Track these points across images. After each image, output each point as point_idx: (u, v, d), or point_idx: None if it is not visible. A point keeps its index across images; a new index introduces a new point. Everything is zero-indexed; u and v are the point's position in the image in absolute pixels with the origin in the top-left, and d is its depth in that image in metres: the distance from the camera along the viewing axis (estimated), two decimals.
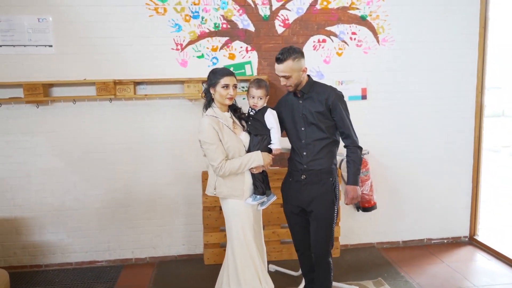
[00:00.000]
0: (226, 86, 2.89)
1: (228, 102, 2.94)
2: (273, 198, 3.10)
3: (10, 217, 4.10)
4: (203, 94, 3.02)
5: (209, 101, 2.98)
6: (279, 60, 2.83)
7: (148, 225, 4.28)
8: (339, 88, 4.20)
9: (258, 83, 2.94)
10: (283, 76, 2.87)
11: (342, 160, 4.29)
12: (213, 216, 4.11)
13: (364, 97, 4.37)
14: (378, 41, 4.32)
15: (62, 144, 4.07)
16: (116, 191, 4.20)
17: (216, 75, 2.92)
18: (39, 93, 3.79)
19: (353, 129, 2.98)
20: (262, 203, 3.05)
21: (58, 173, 4.10)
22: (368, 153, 4.32)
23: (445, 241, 4.67)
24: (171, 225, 4.31)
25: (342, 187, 4.26)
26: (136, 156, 4.17)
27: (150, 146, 4.17)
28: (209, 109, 2.97)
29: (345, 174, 4.35)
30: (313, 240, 3.08)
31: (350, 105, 4.23)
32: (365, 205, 4.32)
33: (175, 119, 4.14)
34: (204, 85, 3.02)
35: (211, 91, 2.94)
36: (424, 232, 4.65)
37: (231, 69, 4.05)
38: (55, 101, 3.99)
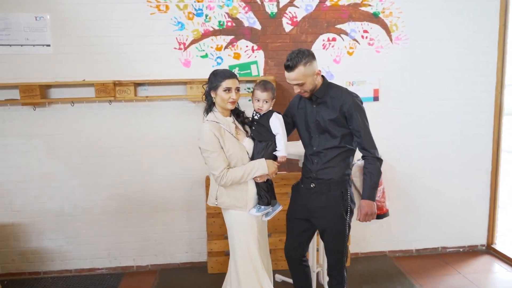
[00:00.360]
0: (228, 90, 2.70)
1: (230, 107, 2.75)
2: (279, 208, 2.92)
3: (8, 222, 3.98)
4: (204, 97, 2.84)
5: (210, 105, 2.80)
6: (289, 67, 2.60)
7: (150, 232, 4.13)
8: (349, 89, 4.03)
9: (264, 85, 2.75)
10: (296, 84, 2.65)
11: (353, 165, 4.09)
12: (217, 223, 3.94)
13: (376, 98, 4.16)
14: (391, 40, 4.11)
15: (60, 147, 3.93)
16: (117, 197, 4.05)
17: (217, 77, 2.73)
18: (36, 94, 3.64)
19: (371, 138, 2.74)
20: (267, 214, 2.87)
21: (57, 178, 3.96)
22: None
23: (461, 250, 4.46)
24: (174, 231, 4.15)
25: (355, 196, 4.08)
26: (137, 160, 4.01)
27: (151, 150, 4.01)
28: (210, 114, 2.79)
29: (355, 179, 4.18)
30: (327, 253, 2.93)
31: None
32: (377, 212, 4.10)
33: (178, 121, 3.97)
34: (205, 87, 2.82)
35: (212, 94, 2.76)
36: (439, 240, 4.44)
37: (236, 69, 3.91)
38: (53, 103, 3.85)
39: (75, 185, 3.99)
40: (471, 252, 4.42)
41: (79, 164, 3.96)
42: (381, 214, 4.08)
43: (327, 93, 2.74)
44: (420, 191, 4.34)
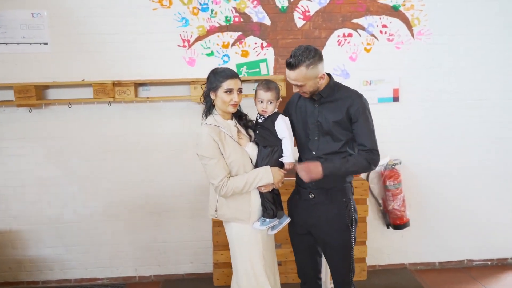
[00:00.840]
0: (230, 91, 2.46)
1: (232, 110, 2.50)
2: (286, 221, 2.66)
3: (5, 229, 3.80)
4: (202, 99, 2.59)
5: (209, 107, 2.56)
6: (290, 65, 2.35)
7: (153, 241, 3.92)
8: (367, 89, 3.77)
9: (266, 84, 2.51)
10: (296, 85, 2.42)
11: (369, 173, 3.81)
12: (224, 232, 3.61)
13: (396, 98, 3.86)
14: (412, 35, 3.81)
15: (58, 151, 3.74)
16: (118, 203, 3.84)
17: (217, 77, 2.49)
18: (31, 96, 3.45)
19: (375, 144, 2.47)
20: (273, 227, 2.61)
21: (55, 183, 3.77)
22: (400, 163, 3.82)
23: (489, 263, 4.13)
24: (178, 241, 3.92)
25: (369, 202, 3.80)
26: (139, 165, 3.80)
27: (153, 154, 3.80)
28: (209, 117, 2.55)
29: (373, 186, 3.91)
30: (331, 270, 2.68)
31: (380, 108, 3.83)
32: (396, 222, 3.83)
33: (181, 124, 3.75)
34: (203, 87, 2.59)
35: (212, 95, 2.52)
36: (464, 253, 4.12)
37: (244, 68, 3.69)
38: (49, 105, 3.67)
39: (74, 190, 3.80)
40: (500, 266, 4.10)
41: (77, 168, 3.77)
42: (401, 224, 3.85)
43: (333, 93, 2.49)
44: (444, 199, 4.02)
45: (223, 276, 3.76)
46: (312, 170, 2.40)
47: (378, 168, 3.82)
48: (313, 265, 2.76)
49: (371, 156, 2.43)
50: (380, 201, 3.93)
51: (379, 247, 4.01)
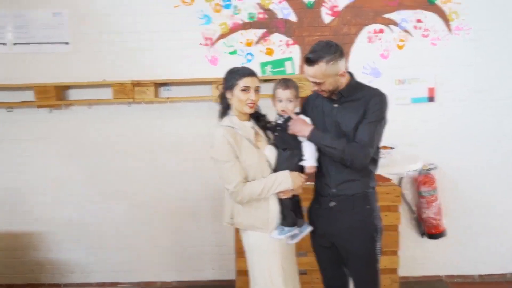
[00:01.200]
0: (246, 89, 2.31)
1: (248, 110, 2.35)
2: (308, 230, 2.48)
3: (27, 231, 3.79)
4: (218, 99, 2.46)
5: (225, 108, 2.42)
6: (309, 61, 2.19)
7: (175, 245, 3.81)
8: (399, 88, 3.55)
9: (285, 83, 2.36)
10: (314, 82, 2.25)
11: (401, 178, 3.57)
12: None
13: (431, 98, 3.61)
14: (450, 30, 3.56)
15: (78, 152, 3.70)
16: (139, 206, 3.77)
17: (233, 75, 2.36)
18: (51, 96, 3.43)
19: (370, 145, 2.24)
20: (292, 236, 2.42)
21: (76, 185, 3.74)
22: (435, 167, 3.56)
23: None
24: (200, 246, 3.81)
25: (402, 209, 3.55)
26: (160, 168, 3.71)
27: (174, 156, 3.70)
28: (225, 118, 2.41)
29: (406, 192, 3.66)
30: (354, 282, 2.51)
31: (414, 108, 3.59)
32: (431, 231, 3.58)
33: (202, 124, 3.60)
34: (220, 88, 2.47)
35: (228, 95, 2.38)
36: (508, 265, 3.81)
37: (269, 67, 3.54)
38: (69, 105, 3.63)
39: (95, 192, 3.75)
40: None
41: (99, 170, 3.72)
42: (437, 233, 3.60)
43: (354, 93, 2.30)
44: (485, 207, 3.74)
45: (246, 285, 3.57)
46: (299, 127, 2.31)
47: (411, 173, 3.58)
48: (340, 276, 2.59)
49: (357, 152, 2.22)
50: (414, 208, 3.68)
51: (413, 257, 3.76)
